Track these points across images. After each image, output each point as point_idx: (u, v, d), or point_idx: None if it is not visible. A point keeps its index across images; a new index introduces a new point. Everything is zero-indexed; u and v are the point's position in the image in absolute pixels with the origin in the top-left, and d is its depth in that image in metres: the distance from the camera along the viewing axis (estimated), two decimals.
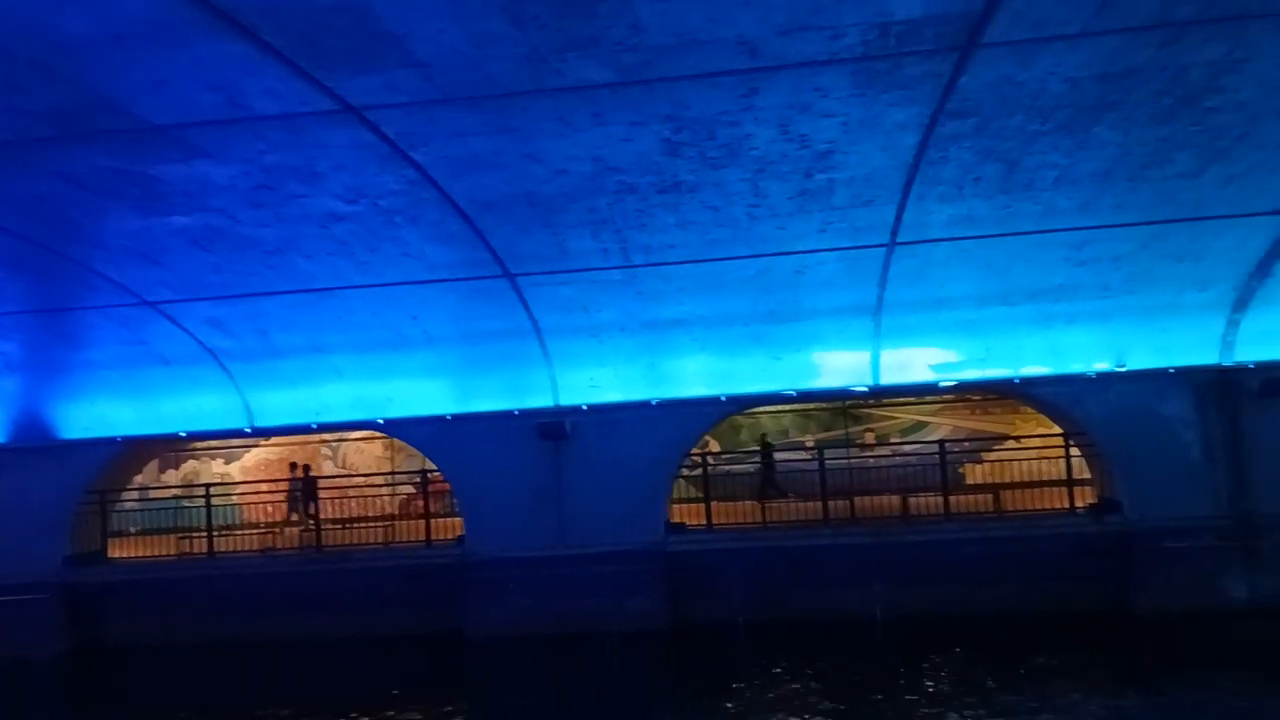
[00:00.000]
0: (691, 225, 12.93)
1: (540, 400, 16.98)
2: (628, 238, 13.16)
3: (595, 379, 16.81)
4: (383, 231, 12.71)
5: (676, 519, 17.90)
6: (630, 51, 8.61)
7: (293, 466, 21.50)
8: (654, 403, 16.95)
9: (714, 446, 21.57)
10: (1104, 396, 16.17)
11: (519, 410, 17.02)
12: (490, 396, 17.07)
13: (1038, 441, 19.21)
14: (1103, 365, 16.06)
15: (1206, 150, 11.52)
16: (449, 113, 9.75)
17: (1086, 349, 15.99)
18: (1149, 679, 13.69)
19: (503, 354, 16.35)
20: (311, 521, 19.61)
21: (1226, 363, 15.71)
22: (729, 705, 13.16)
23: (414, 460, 21.09)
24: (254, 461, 23.74)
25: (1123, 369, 15.97)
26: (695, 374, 16.89)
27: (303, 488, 20.30)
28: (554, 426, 16.77)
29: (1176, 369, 15.87)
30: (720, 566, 16.92)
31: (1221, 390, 15.70)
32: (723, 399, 17.18)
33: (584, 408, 16.98)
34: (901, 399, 22.11)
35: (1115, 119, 10.63)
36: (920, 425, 23.10)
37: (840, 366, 16.79)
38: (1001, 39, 8.65)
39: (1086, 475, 17.66)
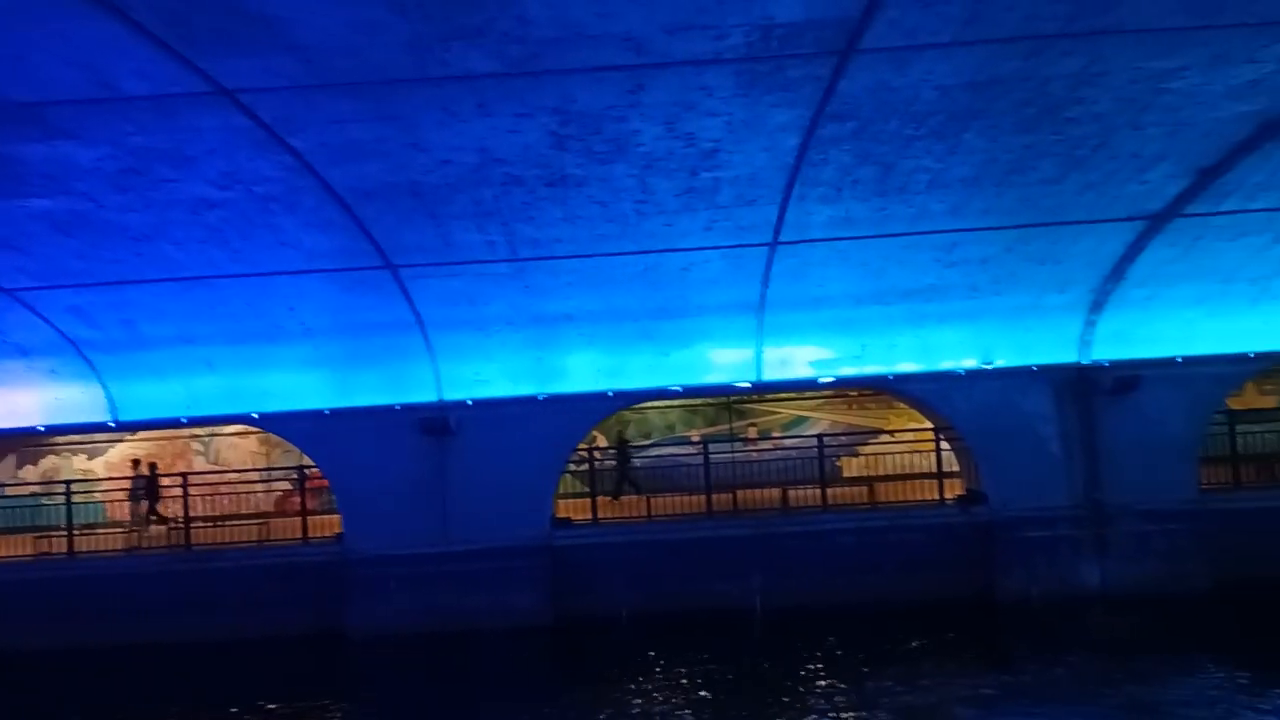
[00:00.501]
0: (579, 220, 12.94)
1: (423, 395, 16.74)
2: (515, 230, 13.08)
3: (481, 373, 16.66)
4: (258, 219, 12.30)
5: (563, 514, 17.90)
6: (517, 43, 8.56)
7: (135, 463, 20.37)
8: (541, 398, 16.91)
9: (601, 442, 21.64)
10: (971, 393, 16.91)
11: (401, 405, 16.74)
12: (371, 390, 16.73)
13: (910, 436, 19.95)
14: (971, 363, 16.80)
15: (1066, 158, 12.15)
16: (329, 99, 9.51)
17: (956, 347, 16.69)
18: (1009, 661, 14.39)
19: (384, 347, 16.04)
20: (153, 520, 18.80)
21: (1084, 361, 16.64)
22: (607, 698, 13.24)
23: (291, 456, 20.49)
24: (119, 457, 22.66)
25: (989, 366, 16.74)
26: (583, 369, 16.92)
27: (145, 486, 19.34)
28: (437, 421, 16.54)
29: (1038, 367, 16.73)
30: (605, 561, 17.02)
31: (1078, 387, 16.61)
32: (610, 394, 17.26)
33: (469, 402, 16.81)
34: (784, 394, 22.63)
35: (983, 126, 11.12)
36: (801, 420, 23.68)
37: (725, 363, 17.09)
38: (878, 45, 8.95)
39: (956, 468, 18.43)
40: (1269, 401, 21.20)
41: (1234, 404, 19.16)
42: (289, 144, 10.39)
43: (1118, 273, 15.21)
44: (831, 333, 16.57)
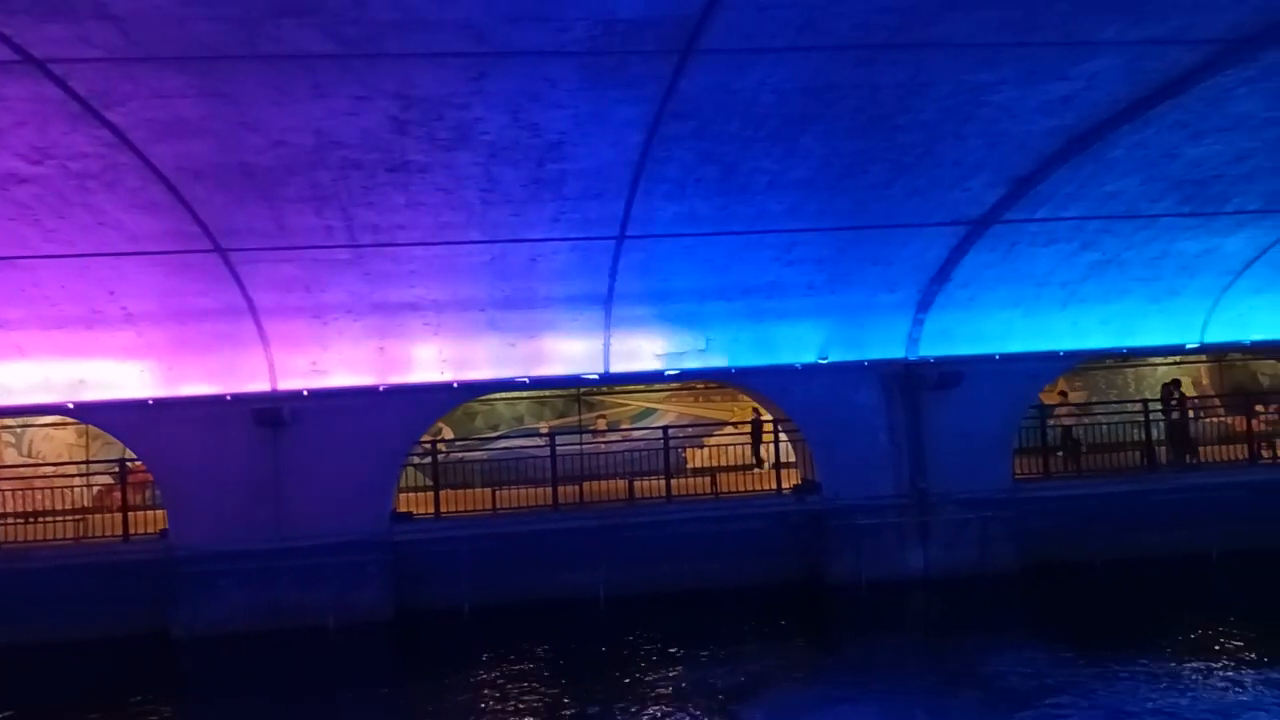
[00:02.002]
0: (423, 207, 12.73)
1: (256, 384, 16.08)
2: (354, 216, 12.75)
3: (318, 362, 16.15)
4: (74, 197, 11.56)
5: (406, 508, 17.57)
6: (352, 24, 8.34)
7: None
8: (382, 388, 16.53)
9: (447, 434, 21.32)
10: (808, 387, 17.54)
11: (232, 395, 16.03)
12: (199, 380, 15.97)
13: (752, 428, 20.52)
14: (807, 358, 17.41)
15: (895, 165, 12.76)
16: (151, 72, 9.02)
17: (794, 342, 17.27)
18: (835, 641, 15.08)
19: (214, 334, 15.33)
20: None
21: (912, 357, 17.50)
22: (443, 692, 13.13)
23: (114, 448, 19.32)
24: None
25: (824, 362, 17.40)
26: (427, 359, 16.63)
27: None
28: (271, 412, 15.92)
29: (870, 362, 17.50)
30: (448, 555, 16.81)
31: (906, 382, 17.47)
32: (455, 385, 17.04)
33: (305, 393, 16.26)
34: (632, 386, 22.86)
35: (818, 131, 11.55)
36: (650, 412, 23.99)
37: (573, 354, 17.13)
38: (717, 46, 9.16)
39: (794, 459, 19.08)
40: (1079, 397, 22.81)
41: (1045, 398, 20.57)
42: (106, 118, 9.81)
43: (943, 274, 16.08)
44: (677, 326, 16.86)
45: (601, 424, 23.50)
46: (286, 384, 16.17)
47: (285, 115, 10.05)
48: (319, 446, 16.23)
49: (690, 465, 21.67)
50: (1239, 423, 21.34)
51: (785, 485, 18.26)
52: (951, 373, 17.19)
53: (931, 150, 12.44)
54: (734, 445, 20.25)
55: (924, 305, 16.83)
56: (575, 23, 8.57)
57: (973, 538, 17.31)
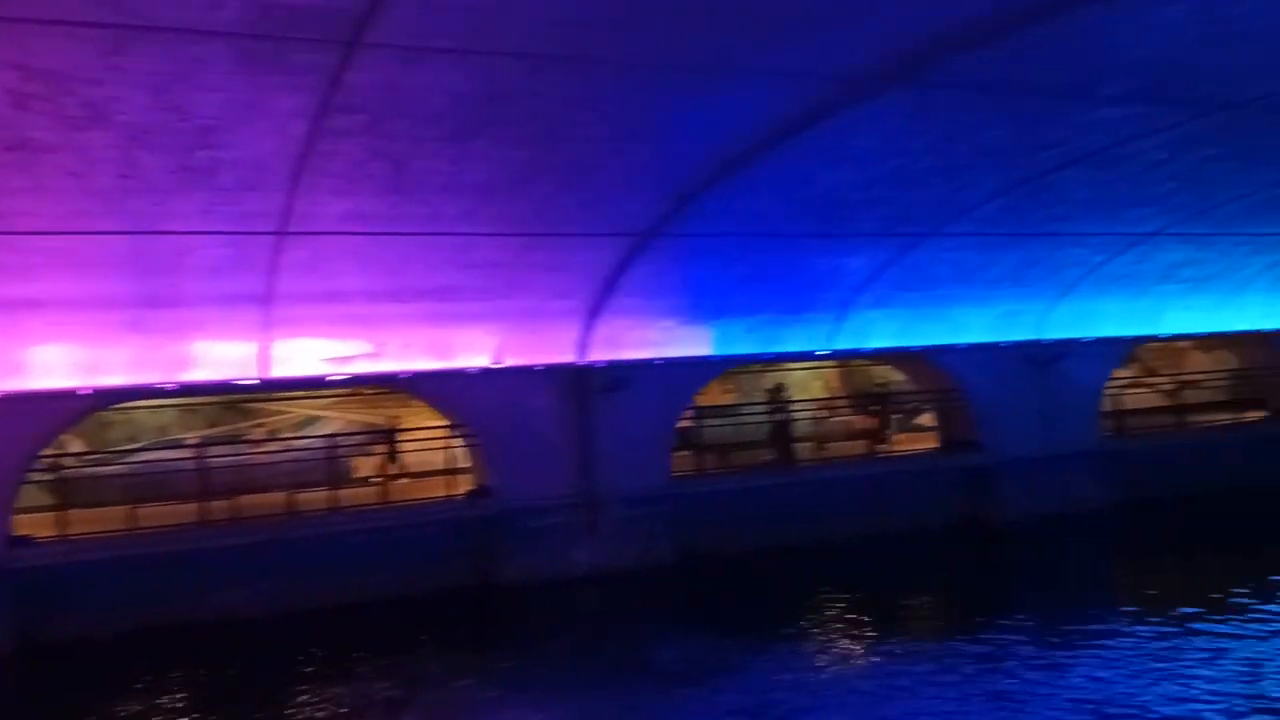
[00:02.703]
0: (49, 191, 11.24)
1: None
2: None
3: None
4: None
5: (29, 531, 15.48)
6: None
7: None
8: None
9: (75, 446, 19.04)
10: (483, 391, 17.59)
11: None
12: None
13: (425, 434, 20.24)
14: (483, 362, 17.46)
15: (567, 175, 13.11)
16: None
17: (469, 347, 17.24)
18: (504, 640, 15.21)
19: None
20: None
21: (581, 362, 18.10)
22: None
23: None
24: None
25: (499, 366, 17.54)
26: (52, 364, 14.74)
27: None
28: None
29: (543, 367, 17.88)
30: (80, 580, 15.05)
31: (576, 386, 18.05)
32: (87, 392, 15.24)
33: None
34: (296, 393, 21.71)
35: (492, 136, 11.59)
36: (315, 419, 22.88)
37: (228, 358, 15.93)
38: (386, 42, 8.91)
39: (468, 465, 19.04)
40: (729, 398, 24.76)
41: (701, 400, 22.12)
42: None
43: (611, 283, 16.75)
44: (346, 329, 16.23)
45: (261, 433, 22.10)
46: None
47: None
48: None
49: (359, 474, 20.97)
50: (861, 420, 24.20)
51: (460, 491, 18.17)
52: (619, 377, 17.99)
53: (601, 163, 12.92)
54: (407, 452, 19.78)
55: (594, 312, 17.45)
56: (227, 2, 7.98)
57: (636, 533, 18.21)
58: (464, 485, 18.56)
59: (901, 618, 15.47)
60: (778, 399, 22.04)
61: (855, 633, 14.69)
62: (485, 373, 17.54)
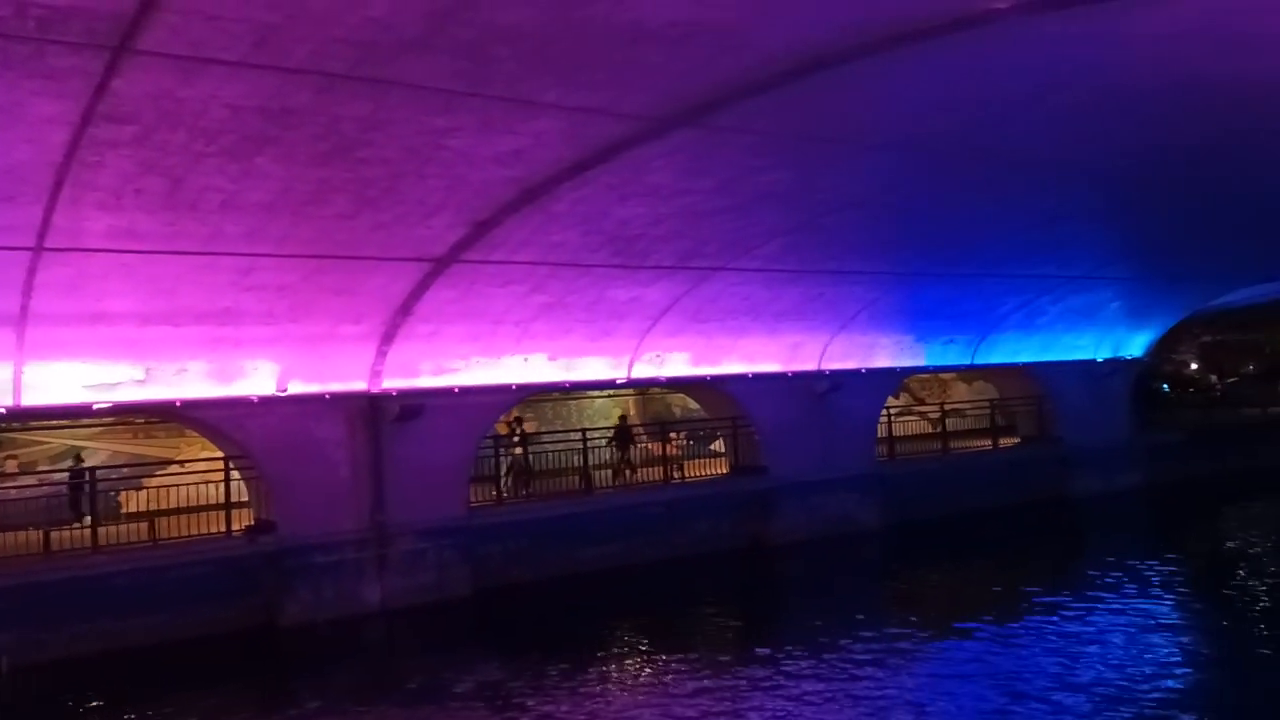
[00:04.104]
0: None
1: None
2: None
3: None
4: None
5: None
6: None
7: None
8: None
9: None
10: (266, 420, 16.71)
11: None
12: None
13: (202, 466, 18.99)
14: (266, 389, 16.59)
15: (359, 197, 12.76)
16: None
17: (251, 373, 16.36)
18: (284, 683, 14.48)
19: None
20: None
21: (375, 390, 17.54)
22: None
23: None
24: None
25: (283, 394, 16.71)
26: None
27: None
28: None
29: (332, 395, 17.18)
30: None
31: (369, 415, 17.44)
32: None
33: None
34: (54, 422, 19.90)
35: (277, 154, 11.14)
36: (75, 450, 21.04)
37: None
38: (159, 49, 8.42)
39: (247, 498, 17.98)
40: (531, 427, 24.60)
41: (501, 429, 21.88)
42: None
43: (406, 308, 16.38)
44: (112, 353, 15.05)
45: (12, 465, 20.13)
46: None
47: None
48: None
49: (126, 509, 19.43)
50: (657, 448, 24.71)
51: (238, 526, 17.12)
52: (413, 405, 17.54)
53: (395, 186, 12.65)
54: (179, 486, 18.42)
55: (388, 338, 16.98)
56: None
57: (430, 566, 17.75)
58: (244, 520, 17.50)
59: (686, 635, 16.02)
60: (515, 434, 21.53)
61: (645, 653, 15.22)
62: (268, 401, 16.66)
